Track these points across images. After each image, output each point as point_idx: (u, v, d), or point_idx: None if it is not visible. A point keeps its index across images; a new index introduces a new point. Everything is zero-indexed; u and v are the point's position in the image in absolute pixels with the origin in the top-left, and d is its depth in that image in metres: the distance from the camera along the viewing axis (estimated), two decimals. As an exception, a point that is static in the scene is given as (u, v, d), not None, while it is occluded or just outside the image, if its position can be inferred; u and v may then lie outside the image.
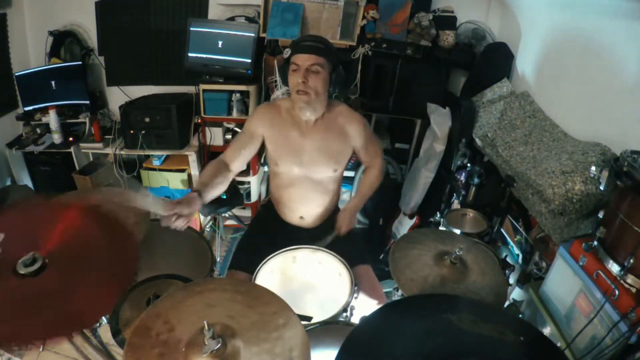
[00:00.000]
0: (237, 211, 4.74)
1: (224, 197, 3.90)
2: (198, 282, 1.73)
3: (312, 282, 2.36)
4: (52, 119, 4.50)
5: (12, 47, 4.66)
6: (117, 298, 1.58)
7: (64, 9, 4.76)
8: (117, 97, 4.93)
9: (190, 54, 4.20)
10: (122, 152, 4.60)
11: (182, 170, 4.73)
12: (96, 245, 1.60)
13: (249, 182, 4.71)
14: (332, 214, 2.85)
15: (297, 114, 2.58)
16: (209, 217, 4.68)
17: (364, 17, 4.00)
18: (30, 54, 4.91)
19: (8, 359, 2.71)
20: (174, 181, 4.76)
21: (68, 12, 4.77)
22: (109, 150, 4.62)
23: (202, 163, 4.73)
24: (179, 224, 2.12)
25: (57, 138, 4.59)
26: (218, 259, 4.45)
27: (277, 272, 2.38)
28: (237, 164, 2.64)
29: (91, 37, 4.88)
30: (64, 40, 4.86)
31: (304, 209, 2.79)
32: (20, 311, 1.37)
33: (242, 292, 1.62)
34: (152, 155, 4.74)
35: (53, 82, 4.62)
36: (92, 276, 1.50)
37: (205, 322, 1.36)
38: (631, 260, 1.90)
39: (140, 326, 1.46)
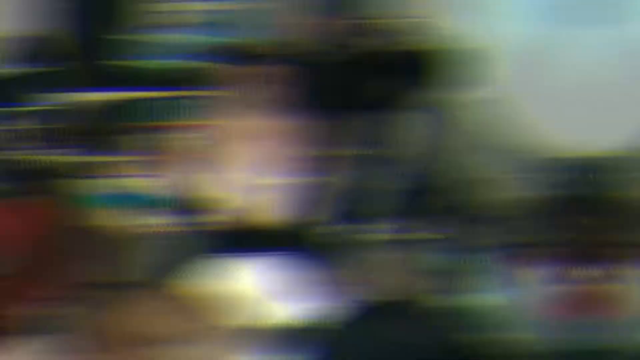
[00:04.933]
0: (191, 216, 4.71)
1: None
2: (143, 288, 1.72)
3: (267, 287, 2.32)
4: (21, 123, 4.42)
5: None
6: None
7: (33, 13, 4.69)
8: (85, 100, 4.85)
9: (143, 58, 4.18)
10: (79, 158, 4.54)
11: (142, 175, 4.66)
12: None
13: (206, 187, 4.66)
14: (291, 213, 2.87)
15: (248, 121, 2.60)
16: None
17: (320, 22, 4.00)
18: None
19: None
20: (132, 186, 4.69)
21: (36, 16, 4.70)
22: (65, 156, 4.56)
23: (156, 167, 4.69)
24: None
25: (26, 143, 4.50)
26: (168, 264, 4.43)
27: (237, 278, 2.35)
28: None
29: (62, 41, 4.82)
30: (34, 44, 4.81)
31: (261, 210, 2.79)
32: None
33: (181, 300, 1.61)
34: (109, 159, 4.66)
35: (21, 86, 4.55)
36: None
37: (140, 329, 1.34)
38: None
39: (93, 331, 1.45)
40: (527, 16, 3.08)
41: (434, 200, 3.37)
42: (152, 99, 4.19)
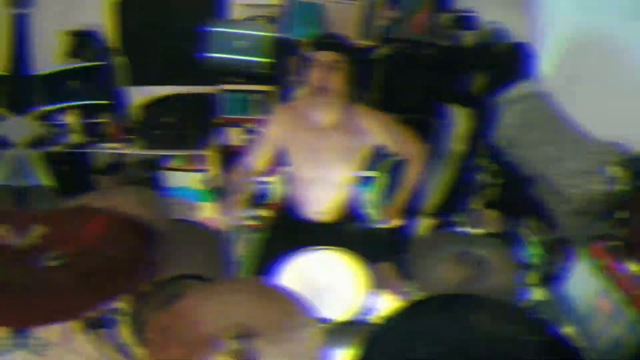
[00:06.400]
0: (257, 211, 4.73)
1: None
2: (218, 282, 1.74)
3: (331, 282, 2.34)
4: (72, 119, 4.53)
5: (33, 46, 4.66)
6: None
7: (83, 9, 4.75)
8: (138, 97, 4.95)
9: (210, 55, 4.21)
10: (142, 152, 4.62)
11: (202, 171, 4.73)
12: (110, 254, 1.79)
13: (269, 182, 4.66)
14: (349, 209, 2.86)
15: (315, 114, 2.60)
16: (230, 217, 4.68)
17: (384, 17, 3.99)
18: (50, 54, 4.90)
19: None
20: (194, 181, 4.77)
21: (87, 11, 4.78)
22: (129, 151, 4.64)
23: (223, 163, 4.71)
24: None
25: (77, 138, 4.61)
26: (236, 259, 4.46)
27: (296, 274, 2.37)
28: (260, 166, 2.89)
29: (111, 37, 4.88)
30: (84, 40, 4.86)
31: (321, 206, 2.83)
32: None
33: (262, 293, 1.63)
34: (172, 155, 4.75)
35: (74, 82, 4.61)
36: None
37: (225, 322, 1.36)
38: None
39: (161, 326, 1.47)
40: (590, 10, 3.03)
41: (509, 195, 3.36)
42: (229, 94, 4.26)
